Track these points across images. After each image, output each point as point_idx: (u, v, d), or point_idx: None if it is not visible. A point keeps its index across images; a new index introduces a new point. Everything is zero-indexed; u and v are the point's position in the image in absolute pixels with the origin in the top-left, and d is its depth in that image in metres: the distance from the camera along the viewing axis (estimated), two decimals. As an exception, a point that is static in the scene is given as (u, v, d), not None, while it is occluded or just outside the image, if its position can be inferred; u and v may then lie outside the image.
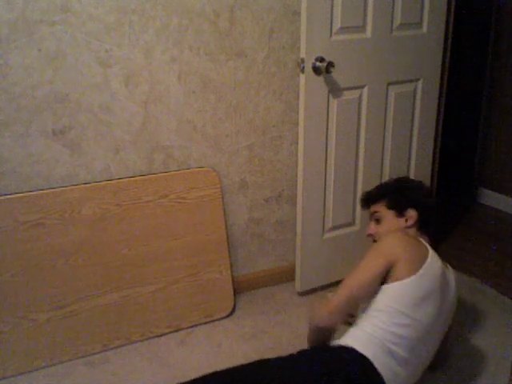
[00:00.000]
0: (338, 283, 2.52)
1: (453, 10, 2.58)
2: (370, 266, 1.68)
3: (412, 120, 2.54)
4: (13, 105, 1.92)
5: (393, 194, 1.94)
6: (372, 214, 1.95)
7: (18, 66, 1.89)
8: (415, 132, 2.57)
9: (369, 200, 2.00)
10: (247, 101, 2.29)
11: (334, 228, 2.48)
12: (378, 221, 1.92)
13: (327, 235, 2.47)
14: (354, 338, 1.61)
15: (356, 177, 2.46)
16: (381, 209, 1.92)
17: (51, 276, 2.03)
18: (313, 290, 2.50)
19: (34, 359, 2.01)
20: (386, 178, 2.54)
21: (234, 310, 2.36)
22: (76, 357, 2.06)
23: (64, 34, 1.92)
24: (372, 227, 1.93)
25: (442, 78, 2.60)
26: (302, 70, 2.17)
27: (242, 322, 2.29)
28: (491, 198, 3.44)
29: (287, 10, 2.24)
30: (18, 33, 1.86)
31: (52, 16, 1.88)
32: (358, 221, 2.54)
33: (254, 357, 2.05)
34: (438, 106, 2.64)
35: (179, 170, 2.24)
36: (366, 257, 1.71)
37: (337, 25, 2.19)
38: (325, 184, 2.38)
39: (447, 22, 2.53)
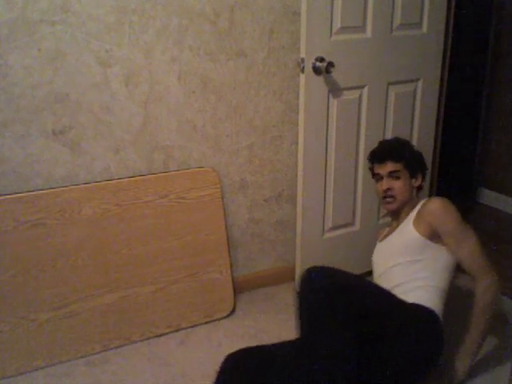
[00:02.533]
0: (337, 283, 2.55)
1: (453, 10, 2.58)
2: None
3: (412, 120, 2.54)
4: (13, 105, 1.92)
5: (410, 155, 2.04)
6: (391, 172, 2.00)
7: (18, 66, 1.89)
8: (415, 132, 2.57)
9: (388, 156, 2.02)
10: (247, 101, 2.29)
11: (334, 228, 2.48)
12: (396, 178, 2.00)
13: (327, 235, 2.47)
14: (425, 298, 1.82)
15: (356, 177, 2.46)
16: (399, 166, 2.00)
17: (51, 276, 2.03)
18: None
19: (34, 359, 2.01)
20: (386, 178, 2.55)
21: (234, 310, 2.36)
22: (76, 357, 2.06)
23: (64, 34, 1.92)
24: (390, 183, 2.00)
25: (441, 78, 2.60)
26: (302, 70, 2.17)
27: (242, 322, 2.29)
28: (491, 198, 3.44)
29: (287, 10, 2.24)
30: (18, 33, 1.86)
31: (52, 16, 1.88)
32: (357, 221, 2.54)
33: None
34: (438, 105, 2.64)
35: (179, 170, 2.24)
36: (461, 227, 1.86)
37: (337, 25, 2.19)
38: (325, 184, 2.38)
39: (447, 22, 2.53)
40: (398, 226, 2.02)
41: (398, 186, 1.98)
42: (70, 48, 1.94)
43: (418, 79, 2.50)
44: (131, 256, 2.14)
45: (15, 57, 1.88)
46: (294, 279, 2.51)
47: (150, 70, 2.08)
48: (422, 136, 2.58)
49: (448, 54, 2.61)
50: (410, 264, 1.87)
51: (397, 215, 2.05)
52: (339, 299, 1.64)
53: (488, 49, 3.29)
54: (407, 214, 1.98)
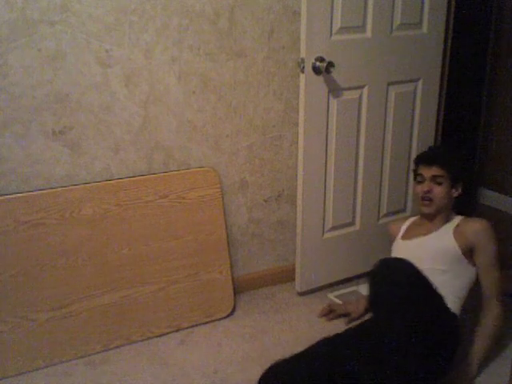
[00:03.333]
0: (337, 283, 2.55)
1: (453, 10, 2.58)
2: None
3: (412, 120, 2.54)
4: (13, 105, 1.92)
5: (456, 165, 2.08)
6: (434, 175, 2.04)
7: (18, 66, 1.89)
8: (415, 132, 2.57)
9: (435, 160, 2.06)
10: (247, 101, 2.29)
11: (334, 228, 2.48)
12: (438, 183, 2.04)
13: (327, 235, 2.47)
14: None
15: (356, 177, 2.46)
16: (444, 173, 2.04)
17: (51, 276, 2.03)
18: (313, 290, 2.50)
19: (34, 359, 2.01)
20: (386, 178, 2.55)
21: (234, 310, 2.36)
22: (76, 357, 2.06)
23: (64, 34, 1.92)
24: (431, 186, 2.04)
25: (441, 78, 2.61)
26: (302, 70, 2.17)
27: (242, 322, 2.29)
28: (491, 198, 3.44)
29: (287, 10, 2.24)
30: (18, 33, 1.86)
31: (52, 16, 1.88)
32: (357, 221, 2.53)
33: (253, 357, 2.06)
34: (438, 105, 2.64)
35: (179, 170, 2.24)
36: (496, 255, 1.98)
37: (337, 25, 2.19)
38: (325, 184, 2.38)
39: (447, 21, 2.53)
40: (430, 231, 2.06)
41: (438, 191, 2.04)
42: (70, 48, 1.94)
43: (418, 79, 2.50)
44: (131, 256, 2.14)
45: (15, 57, 1.88)
46: (294, 279, 2.51)
47: (149, 70, 2.08)
48: (421, 136, 2.58)
49: (448, 53, 2.61)
50: (439, 273, 1.94)
51: (430, 219, 2.09)
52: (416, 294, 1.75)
53: (488, 49, 3.28)
54: (442, 221, 2.06)
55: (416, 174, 2.12)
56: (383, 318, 1.75)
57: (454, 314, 1.93)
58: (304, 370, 1.66)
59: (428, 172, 2.05)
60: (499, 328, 1.98)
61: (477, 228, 1.98)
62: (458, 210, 2.14)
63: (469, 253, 1.98)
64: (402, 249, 2.12)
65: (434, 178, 2.04)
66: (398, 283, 1.75)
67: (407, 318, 1.67)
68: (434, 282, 1.86)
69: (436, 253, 1.99)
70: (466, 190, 2.16)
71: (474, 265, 1.99)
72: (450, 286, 1.93)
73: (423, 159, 2.11)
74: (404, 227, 2.20)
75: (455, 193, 2.08)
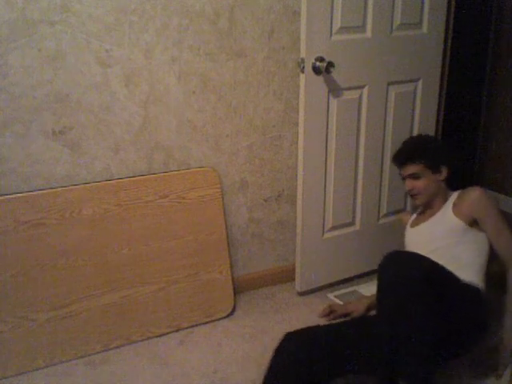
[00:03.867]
0: (337, 283, 2.55)
1: (453, 10, 2.58)
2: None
3: (412, 120, 2.54)
4: (13, 105, 1.92)
5: (429, 154, 2.10)
6: (410, 174, 2.10)
7: (18, 65, 1.89)
8: (415, 132, 2.56)
9: (406, 160, 2.12)
10: (247, 101, 2.29)
11: (334, 228, 2.48)
12: (416, 178, 2.09)
13: (327, 235, 2.47)
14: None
15: (356, 177, 2.46)
16: (419, 168, 2.08)
17: (51, 276, 2.03)
18: (313, 290, 2.50)
19: (34, 359, 2.01)
20: (386, 178, 2.55)
21: (234, 310, 2.36)
22: (76, 357, 2.06)
23: (64, 34, 1.92)
24: (412, 183, 2.10)
25: (441, 78, 2.61)
26: (302, 70, 2.17)
27: (242, 322, 2.29)
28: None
29: (287, 9, 2.24)
30: (17, 33, 1.86)
31: (52, 16, 1.88)
32: (357, 221, 2.53)
33: (253, 357, 2.06)
34: (438, 105, 2.64)
35: (179, 170, 2.24)
36: (500, 217, 1.97)
37: (337, 25, 2.19)
38: (325, 184, 2.38)
39: (447, 21, 2.53)
40: (432, 214, 2.12)
41: (419, 185, 2.09)
42: (70, 48, 1.94)
43: (418, 79, 2.50)
44: (131, 256, 2.14)
45: (15, 57, 1.88)
46: (294, 279, 2.51)
47: (149, 70, 2.08)
48: (422, 136, 2.58)
49: (448, 53, 2.61)
50: (453, 246, 2.00)
51: (428, 206, 2.15)
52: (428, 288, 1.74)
53: (488, 49, 3.28)
54: (442, 203, 2.10)
55: (399, 173, 2.19)
56: (388, 314, 1.75)
57: (476, 289, 1.93)
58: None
59: (404, 171, 2.12)
60: None
61: (472, 199, 1.99)
62: (457, 185, 2.19)
63: (474, 223, 2.00)
64: (411, 235, 2.21)
65: (411, 175, 2.10)
66: (407, 277, 1.74)
67: (417, 313, 1.68)
68: (455, 255, 1.95)
69: (443, 232, 2.04)
70: (459, 168, 2.19)
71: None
72: (468, 256, 1.97)
73: (396, 160, 2.17)
74: (413, 216, 2.27)
75: (440, 176, 2.10)
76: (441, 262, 1.91)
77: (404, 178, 2.15)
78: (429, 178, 2.09)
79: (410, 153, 2.12)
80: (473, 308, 1.89)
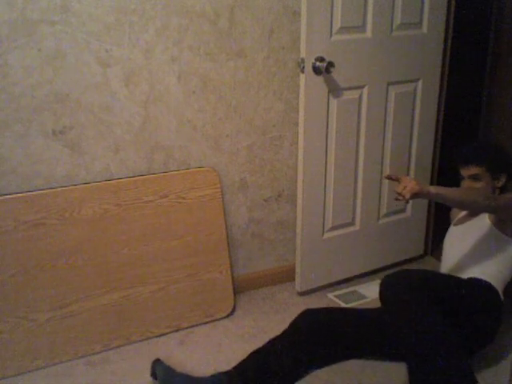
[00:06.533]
0: (337, 283, 2.55)
1: (453, 10, 2.57)
2: None
3: (412, 120, 2.54)
4: (13, 105, 1.92)
5: (494, 160, 2.17)
6: (472, 174, 2.17)
7: (18, 66, 1.89)
8: (415, 132, 2.57)
9: (472, 160, 2.17)
10: (247, 101, 2.29)
11: (334, 228, 2.48)
12: (476, 179, 2.17)
13: (327, 235, 2.47)
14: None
15: (356, 177, 2.46)
16: (482, 170, 2.16)
17: (51, 276, 2.03)
18: (313, 290, 2.50)
19: (34, 359, 2.01)
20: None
21: (234, 310, 2.36)
22: (76, 357, 2.06)
23: (64, 33, 1.92)
24: (471, 184, 2.17)
25: (441, 78, 2.60)
26: (302, 70, 2.17)
27: (242, 322, 2.29)
28: (491, 198, 3.43)
29: (287, 9, 2.24)
30: (18, 33, 1.86)
31: (52, 16, 1.89)
32: (357, 221, 2.54)
33: (254, 357, 2.06)
34: (438, 105, 2.64)
35: (179, 170, 2.24)
36: None
37: (337, 25, 2.19)
38: (325, 184, 2.38)
39: (447, 21, 2.53)
40: (473, 217, 2.19)
41: (477, 186, 2.16)
42: (70, 48, 1.94)
43: (417, 79, 2.50)
44: (131, 256, 2.15)
45: (15, 57, 1.88)
46: (294, 279, 2.51)
47: (149, 70, 2.09)
48: (421, 136, 2.58)
49: (448, 53, 2.61)
50: (483, 251, 2.05)
51: None
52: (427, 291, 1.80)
53: (488, 49, 3.28)
54: None
55: (459, 173, 2.24)
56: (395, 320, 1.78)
57: (488, 283, 1.96)
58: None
59: (466, 172, 2.19)
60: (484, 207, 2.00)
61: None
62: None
63: (501, 223, 2.06)
64: (451, 233, 2.28)
65: (472, 176, 2.17)
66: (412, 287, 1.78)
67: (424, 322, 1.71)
68: (477, 261, 2.02)
69: (475, 235, 2.10)
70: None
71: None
72: (493, 263, 2.01)
73: (459, 160, 2.22)
74: (460, 215, 2.31)
75: (498, 183, 2.17)
76: (467, 265, 2.00)
77: (463, 178, 2.19)
78: (487, 182, 2.15)
79: (475, 154, 2.17)
80: (487, 300, 1.92)
